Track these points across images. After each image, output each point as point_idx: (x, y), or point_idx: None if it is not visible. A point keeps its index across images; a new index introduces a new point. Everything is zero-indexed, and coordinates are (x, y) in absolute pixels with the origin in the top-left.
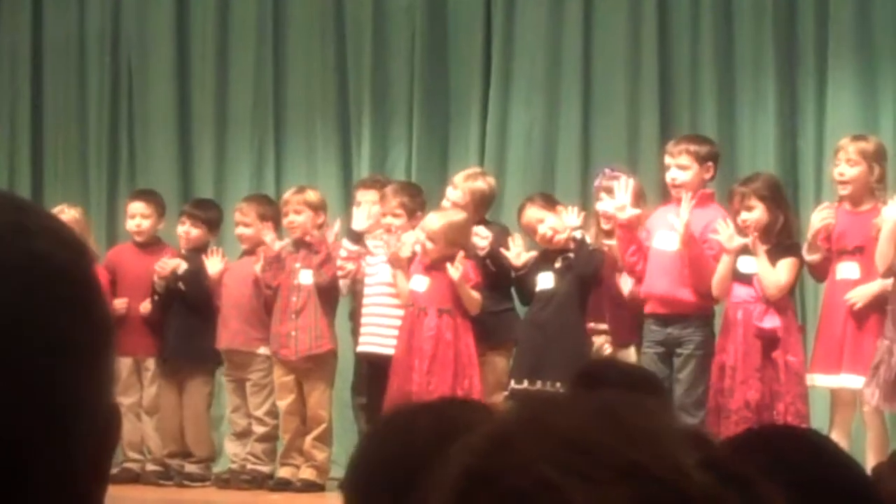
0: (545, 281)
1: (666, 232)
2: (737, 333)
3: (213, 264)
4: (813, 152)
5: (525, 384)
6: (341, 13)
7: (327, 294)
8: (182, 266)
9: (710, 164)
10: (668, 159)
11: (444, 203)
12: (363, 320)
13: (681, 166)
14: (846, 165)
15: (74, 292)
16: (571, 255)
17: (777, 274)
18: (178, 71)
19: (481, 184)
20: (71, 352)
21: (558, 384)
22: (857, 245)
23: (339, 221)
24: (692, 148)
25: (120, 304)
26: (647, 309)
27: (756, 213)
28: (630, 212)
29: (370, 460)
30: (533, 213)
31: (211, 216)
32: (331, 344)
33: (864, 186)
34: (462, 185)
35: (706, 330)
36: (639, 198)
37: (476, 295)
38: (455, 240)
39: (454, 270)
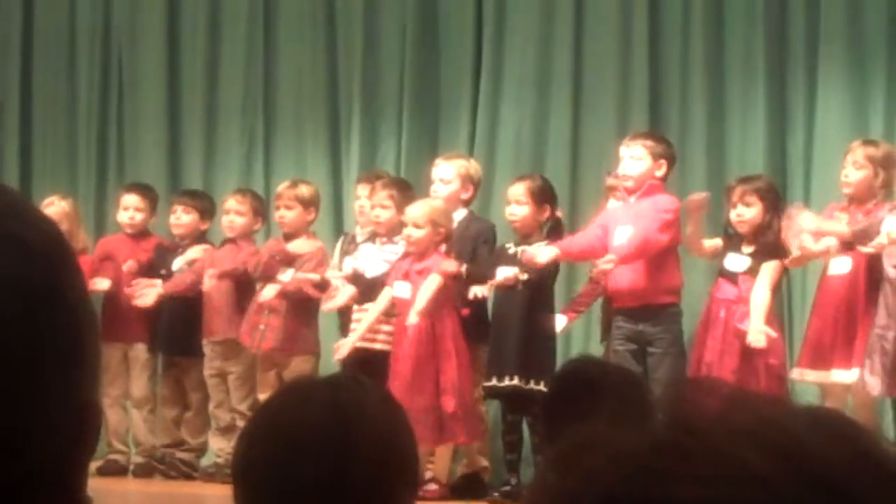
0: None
1: (623, 228)
2: (717, 331)
3: (143, 300)
4: (802, 154)
5: (493, 381)
6: (332, 8)
7: (304, 302)
8: (158, 285)
9: (662, 161)
10: (622, 150)
11: (433, 188)
12: (354, 315)
13: (634, 157)
14: (852, 168)
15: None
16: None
17: (762, 293)
18: (168, 64)
19: (465, 163)
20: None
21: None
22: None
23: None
24: (648, 143)
25: (101, 283)
26: (617, 303)
27: (754, 210)
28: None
29: (257, 436)
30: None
31: (199, 204)
32: (299, 352)
33: (867, 190)
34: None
35: (675, 327)
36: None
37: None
38: (439, 222)
39: (448, 264)
